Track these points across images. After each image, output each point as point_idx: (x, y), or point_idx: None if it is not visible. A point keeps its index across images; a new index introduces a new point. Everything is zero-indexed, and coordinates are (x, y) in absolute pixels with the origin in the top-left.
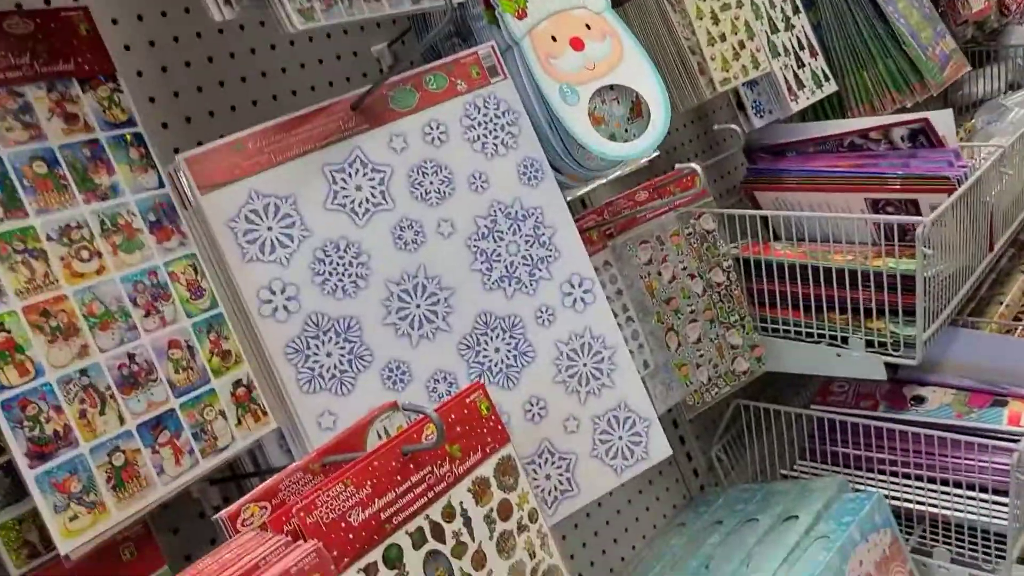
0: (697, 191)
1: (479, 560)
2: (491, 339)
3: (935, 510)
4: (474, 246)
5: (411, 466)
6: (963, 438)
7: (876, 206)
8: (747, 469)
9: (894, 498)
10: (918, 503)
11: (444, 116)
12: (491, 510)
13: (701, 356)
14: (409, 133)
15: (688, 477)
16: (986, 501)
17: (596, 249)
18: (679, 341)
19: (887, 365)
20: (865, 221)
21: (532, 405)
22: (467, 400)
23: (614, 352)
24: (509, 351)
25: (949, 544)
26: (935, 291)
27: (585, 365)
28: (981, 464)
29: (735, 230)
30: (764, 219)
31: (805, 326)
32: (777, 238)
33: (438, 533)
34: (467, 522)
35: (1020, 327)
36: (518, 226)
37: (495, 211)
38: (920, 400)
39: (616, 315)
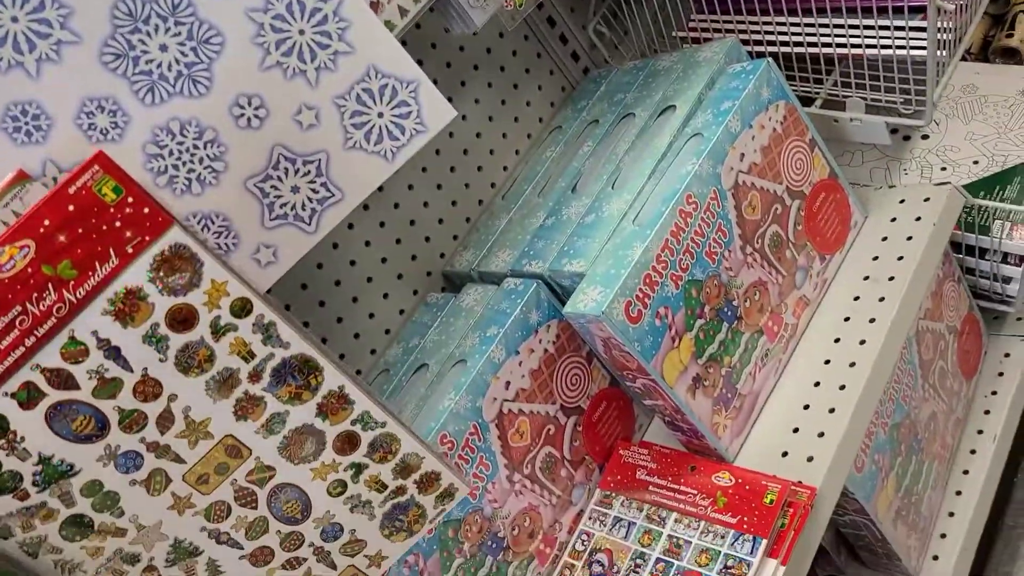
0: None
1: (148, 389)
2: (149, 35)
3: (846, 50)
4: None
5: None
6: None
7: None
8: (635, 40)
9: (799, 43)
10: (826, 45)
11: None
12: (154, 326)
13: None
14: None
15: (566, 64)
16: (902, 28)
17: None
18: None
19: None
20: None
21: (243, 107)
22: (71, 191)
23: (339, 3)
24: (182, 45)
25: (865, 89)
26: None
27: (302, 33)
28: None
29: None
30: None
31: None
32: None
33: (62, 380)
34: (113, 352)
35: None
36: None
37: None
38: None
39: None
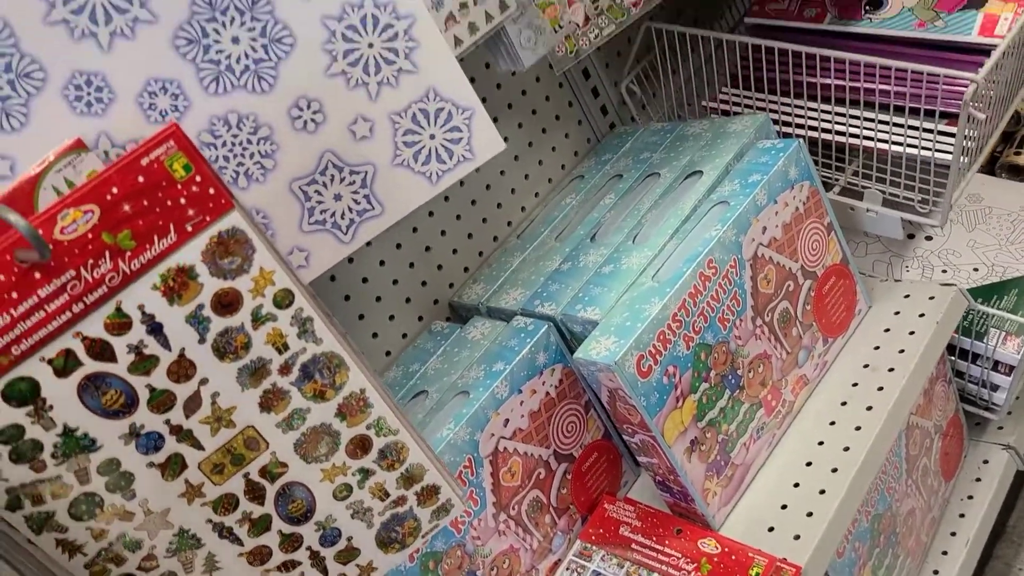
0: None
1: (182, 370)
2: (224, 26)
3: (873, 144)
4: None
5: (37, 275)
6: (916, 61)
7: None
8: (664, 102)
9: (827, 130)
10: (854, 136)
11: None
12: (199, 307)
13: None
14: None
15: (595, 117)
16: (931, 131)
17: None
18: None
19: None
20: None
21: (301, 109)
22: (143, 163)
23: (411, 23)
24: (254, 40)
25: (884, 183)
26: None
27: (371, 47)
28: (931, 85)
29: None
30: None
31: None
32: None
33: (100, 351)
34: (155, 329)
35: None
36: None
37: None
38: (877, 4)
39: None
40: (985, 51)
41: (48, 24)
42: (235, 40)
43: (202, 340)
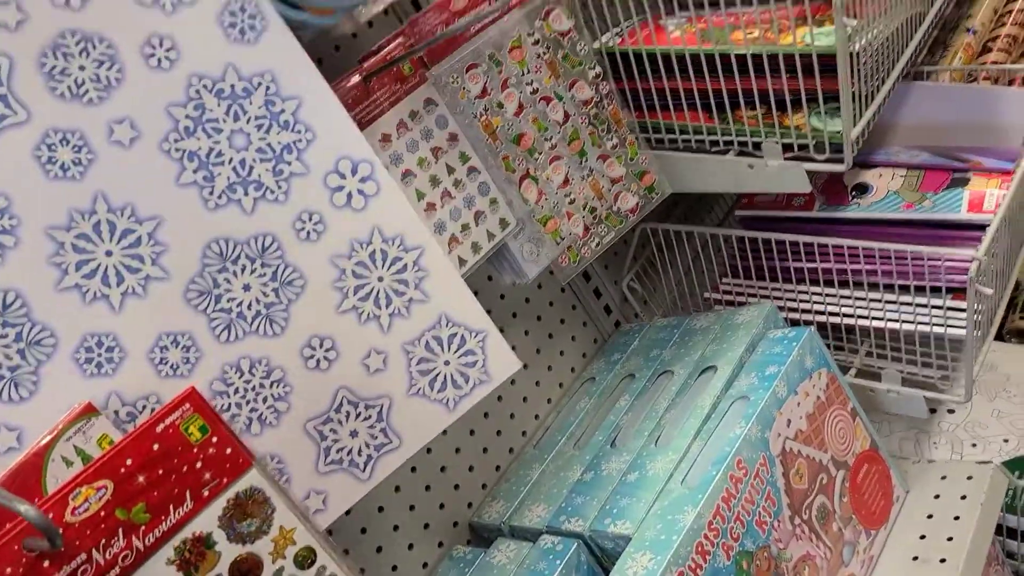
0: None
1: None
2: (235, 275)
3: (882, 324)
4: (176, 150)
5: (46, 564)
6: (910, 244)
7: None
8: (665, 297)
9: (834, 313)
10: (862, 317)
11: None
12: None
13: (572, 202)
14: None
15: (599, 317)
16: (939, 307)
17: (412, 85)
18: (539, 190)
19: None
20: None
21: (314, 348)
22: (158, 429)
23: (420, 254)
24: (265, 286)
25: (899, 361)
26: (869, 67)
27: (381, 280)
28: (933, 264)
29: (611, 13)
30: None
31: (708, 132)
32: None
33: None
34: None
35: (984, 70)
36: (240, 107)
37: (198, 91)
38: (863, 189)
39: (454, 169)
40: (976, 227)
41: (60, 291)
42: (246, 287)
43: None
